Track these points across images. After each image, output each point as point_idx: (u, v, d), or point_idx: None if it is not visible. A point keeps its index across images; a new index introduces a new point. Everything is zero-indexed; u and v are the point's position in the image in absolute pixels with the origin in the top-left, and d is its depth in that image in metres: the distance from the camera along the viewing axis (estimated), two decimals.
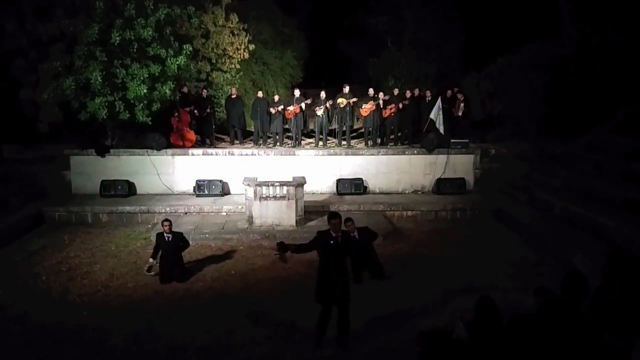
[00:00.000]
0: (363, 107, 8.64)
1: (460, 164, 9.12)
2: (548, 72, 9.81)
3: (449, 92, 9.06)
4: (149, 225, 7.44)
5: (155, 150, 8.21)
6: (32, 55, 8.24)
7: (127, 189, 7.91)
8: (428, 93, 8.92)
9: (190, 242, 6.13)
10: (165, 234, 5.65)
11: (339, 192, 8.29)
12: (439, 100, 8.61)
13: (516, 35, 10.37)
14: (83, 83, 7.91)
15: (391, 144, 9.03)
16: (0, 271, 6.29)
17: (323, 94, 8.72)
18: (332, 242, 4.38)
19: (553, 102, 9.66)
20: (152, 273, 5.77)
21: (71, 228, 7.56)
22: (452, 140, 8.74)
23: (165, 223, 5.89)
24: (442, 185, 9.03)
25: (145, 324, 5.13)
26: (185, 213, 7.45)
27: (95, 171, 8.17)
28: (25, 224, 7.45)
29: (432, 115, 8.57)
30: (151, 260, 5.76)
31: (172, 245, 5.95)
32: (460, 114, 8.90)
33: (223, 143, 9.19)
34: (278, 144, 8.78)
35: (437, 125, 8.61)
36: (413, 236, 7.69)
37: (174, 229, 6.01)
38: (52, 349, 4.76)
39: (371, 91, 8.80)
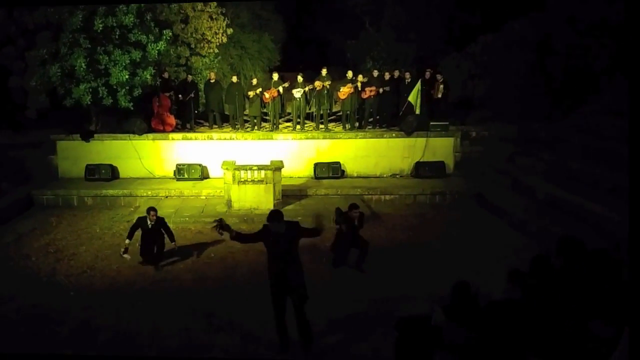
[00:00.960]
0: (341, 90, 9.03)
1: (440, 147, 9.43)
2: (533, 51, 10.01)
3: (428, 73, 9.32)
4: (132, 209, 8.04)
5: (137, 135, 8.75)
6: (20, 43, 8.71)
7: (111, 173, 8.52)
8: (408, 75, 9.22)
9: (171, 225, 6.79)
10: (149, 221, 6.10)
11: (317, 176, 8.77)
12: (419, 83, 8.92)
13: (499, 12, 10.43)
14: (68, 70, 8.41)
15: (369, 127, 9.41)
16: None
17: (300, 77, 9.13)
18: (273, 233, 4.47)
19: (538, 82, 9.86)
20: (128, 257, 6.46)
21: (58, 211, 8.24)
22: (431, 123, 9.04)
23: (152, 213, 6.24)
24: (421, 169, 9.29)
25: (128, 305, 5.73)
26: (166, 197, 8.04)
27: (81, 156, 8.77)
28: (15, 207, 8.13)
29: (410, 98, 8.91)
30: (127, 241, 6.25)
31: (154, 231, 6.26)
32: (439, 95, 9.22)
33: (202, 127, 9.66)
34: (256, 127, 9.27)
35: (415, 108, 8.93)
36: (391, 221, 8.02)
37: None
38: (41, 328, 5.51)
39: (350, 74, 9.20)
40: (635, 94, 1.85)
